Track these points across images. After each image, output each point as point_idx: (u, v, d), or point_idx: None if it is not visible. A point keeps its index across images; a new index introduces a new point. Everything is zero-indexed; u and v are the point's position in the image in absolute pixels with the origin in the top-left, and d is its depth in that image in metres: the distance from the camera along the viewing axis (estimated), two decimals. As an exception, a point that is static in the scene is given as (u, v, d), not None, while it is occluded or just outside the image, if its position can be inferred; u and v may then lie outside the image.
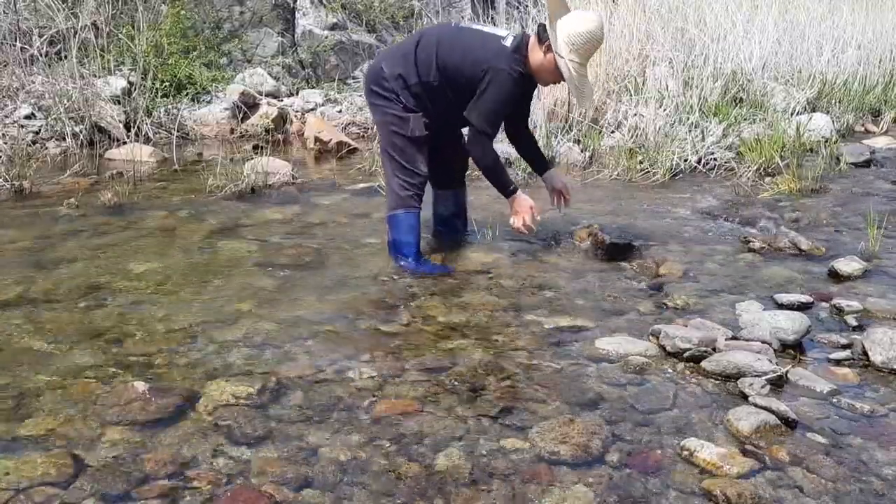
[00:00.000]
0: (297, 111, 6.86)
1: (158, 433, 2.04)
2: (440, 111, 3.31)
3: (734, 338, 2.65)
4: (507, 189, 3.38)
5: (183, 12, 6.92)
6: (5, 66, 5.88)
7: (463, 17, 8.30)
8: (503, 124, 3.48)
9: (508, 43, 3.20)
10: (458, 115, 3.25)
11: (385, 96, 3.31)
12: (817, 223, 4.18)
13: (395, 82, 3.26)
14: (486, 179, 3.46)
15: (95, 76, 6.00)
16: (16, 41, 5.98)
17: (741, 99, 6.73)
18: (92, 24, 6.25)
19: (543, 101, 5.59)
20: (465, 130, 3.43)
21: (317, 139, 6.00)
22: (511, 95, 3.21)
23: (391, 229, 3.39)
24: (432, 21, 8.52)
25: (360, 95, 6.56)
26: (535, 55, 3.21)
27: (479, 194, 4.10)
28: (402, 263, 3.33)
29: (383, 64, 3.35)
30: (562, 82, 3.30)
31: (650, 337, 2.69)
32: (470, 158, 3.54)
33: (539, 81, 3.38)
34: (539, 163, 3.71)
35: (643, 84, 6.27)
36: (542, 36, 3.18)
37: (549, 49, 3.16)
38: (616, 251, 3.52)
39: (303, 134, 6.36)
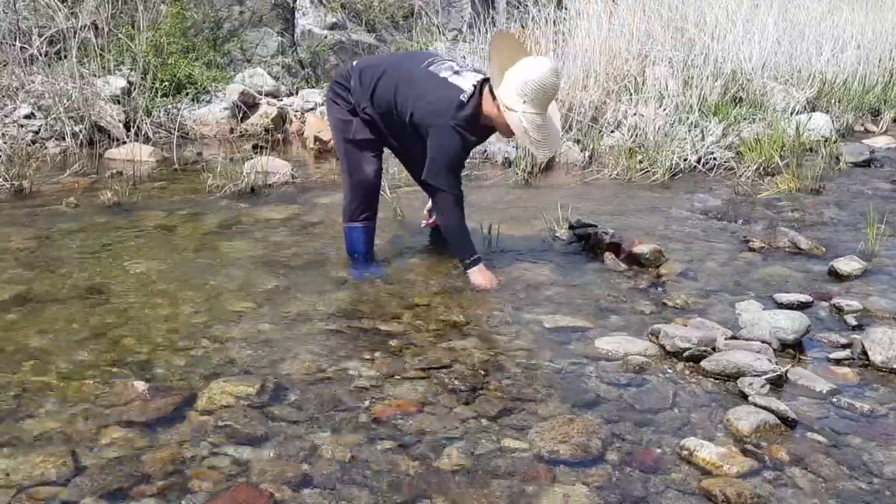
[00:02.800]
0: (296, 111, 6.85)
1: (158, 433, 2.04)
2: (393, 135, 3.26)
3: (734, 337, 2.65)
4: (468, 258, 3.19)
5: (182, 12, 6.91)
6: (5, 65, 5.88)
7: (462, 38, 8.26)
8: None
9: (465, 97, 3.01)
10: (410, 146, 3.22)
11: (336, 101, 3.29)
12: (817, 223, 4.19)
13: (353, 93, 3.22)
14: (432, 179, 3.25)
15: (95, 76, 6.00)
16: (15, 41, 5.97)
17: (741, 98, 6.74)
18: (92, 23, 6.25)
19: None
20: None
21: (316, 139, 6.00)
22: (458, 150, 3.08)
23: (345, 239, 3.41)
24: (432, 21, 8.53)
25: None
26: (489, 108, 3.04)
27: (480, 194, 4.10)
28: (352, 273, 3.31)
29: (352, 76, 3.25)
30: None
31: (650, 336, 2.69)
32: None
33: (499, 132, 3.21)
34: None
35: (643, 84, 6.27)
36: (491, 87, 3.02)
37: (495, 99, 2.99)
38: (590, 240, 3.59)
39: (302, 133, 6.36)
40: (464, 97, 3.02)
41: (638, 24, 6.88)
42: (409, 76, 3.15)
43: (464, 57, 3.31)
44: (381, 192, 3.44)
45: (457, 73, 3.13)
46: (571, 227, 3.71)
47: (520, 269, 3.39)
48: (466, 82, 3.07)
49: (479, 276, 3.18)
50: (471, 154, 3.45)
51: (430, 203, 3.53)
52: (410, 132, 3.14)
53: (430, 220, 3.58)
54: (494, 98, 3.00)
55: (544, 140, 3.05)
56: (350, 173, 3.30)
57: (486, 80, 3.06)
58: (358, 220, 3.34)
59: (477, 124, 3.08)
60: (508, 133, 3.11)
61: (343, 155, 3.32)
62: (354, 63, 3.37)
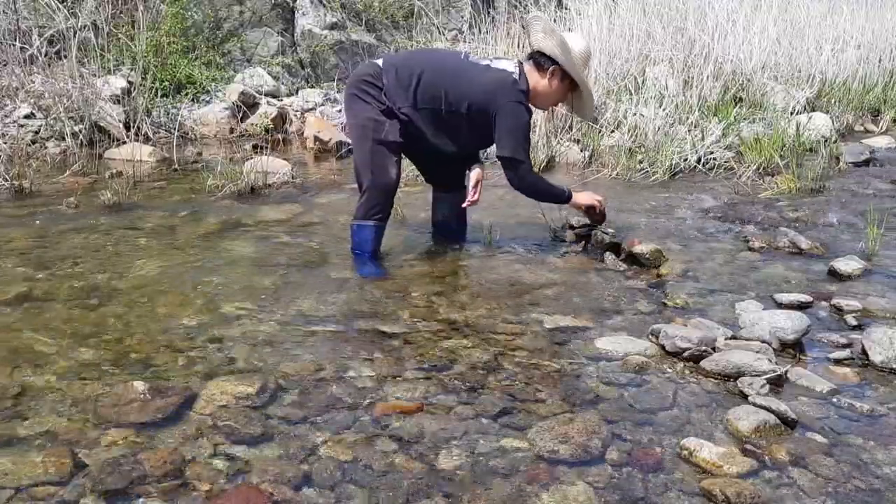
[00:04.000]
0: (296, 111, 6.86)
1: (158, 433, 2.04)
2: (438, 135, 3.34)
3: (734, 337, 2.65)
4: (565, 193, 3.51)
5: (182, 12, 6.91)
6: (5, 65, 5.88)
7: (462, 38, 8.27)
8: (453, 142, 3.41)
9: (516, 76, 3.26)
10: (464, 141, 3.39)
11: (365, 100, 3.27)
12: (817, 223, 4.18)
13: (387, 93, 3.24)
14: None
15: (95, 76, 5.99)
16: (15, 41, 5.98)
17: (741, 98, 6.74)
18: (92, 23, 6.25)
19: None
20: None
21: (316, 139, 6.00)
22: (528, 123, 3.34)
23: (351, 236, 3.42)
24: (432, 21, 8.52)
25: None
26: (536, 82, 3.31)
27: (481, 195, 4.10)
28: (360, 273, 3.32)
29: (384, 75, 3.26)
30: (561, 104, 3.61)
31: (650, 336, 2.69)
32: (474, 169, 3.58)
33: (537, 107, 3.51)
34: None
35: (643, 83, 6.28)
36: (542, 62, 3.30)
37: (552, 74, 3.29)
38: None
39: (302, 133, 6.36)
40: (514, 76, 3.24)
41: (638, 24, 6.89)
42: (454, 69, 3.30)
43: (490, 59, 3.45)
44: None
45: (491, 61, 3.39)
46: (571, 227, 3.71)
47: (520, 269, 3.39)
48: (508, 65, 3.32)
49: (580, 196, 3.57)
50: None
51: (435, 201, 3.67)
52: (462, 124, 3.28)
53: (474, 196, 3.57)
54: (541, 72, 3.29)
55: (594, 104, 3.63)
56: (374, 173, 3.28)
57: (520, 63, 3.33)
58: (372, 218, 3.33)
59: (528, 101, 3.30)
60: (552, 103, 3.55)
61: (368, 154, 3.27)
62: (380, 61, 3.37)
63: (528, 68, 3.31)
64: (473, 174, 3.55)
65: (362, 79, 3.31)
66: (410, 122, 3.27)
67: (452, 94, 3.23)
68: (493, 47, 7.24)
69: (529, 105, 3.31)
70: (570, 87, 3.36)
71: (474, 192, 3.54)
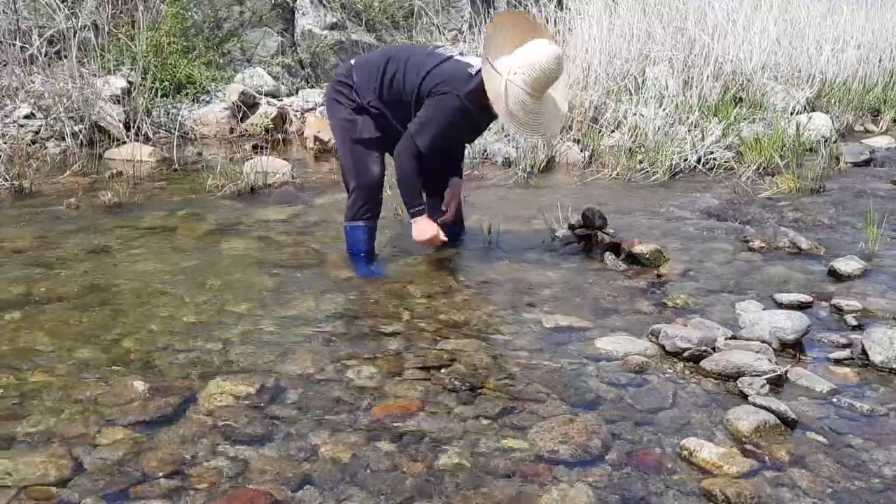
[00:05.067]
0: (296, 111, 6.85)
1: (158, 433, 2.04)
2: (403, 125, 3.25)
3: (734, 337, 2.65)
4: (414, 206, 3.26)
5: (182, 12, 6.91)
6: (5, 65, 5.88)
7: (462, 38, 8.26)
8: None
9: (473, 70, 3.10)
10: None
11: (338, 101, 3.30)
12: (817, 223, 4.18)
13: (357, 90, 3.24)
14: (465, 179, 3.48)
15: (95, 76, 5.99)
16: (15, 41, 5.97)
17: (741, 98, 6.74)
18: (92, 23, 6.25)
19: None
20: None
21: (316, 139, 6.00)
22: (454, 118, 3.11)
23: (345, 238, 3.43)
24: (432, 21, 8.52)
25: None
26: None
27: (480, 195, 4.10)
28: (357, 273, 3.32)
29: (354, 73, 3.28)
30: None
31: (650, 336, 2.69)
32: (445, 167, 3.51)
33: (493, 106, 3.14)
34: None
35: (643, 83, 6.27)
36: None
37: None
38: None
39: (302, 133, 6.36)
40: (472, 70, 3.10)
41: (638, 24, 6.88)
42: (417, 58, 3.23)
43: (462, 53, 3.34)
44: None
45: (462, 54, 3.28)
46: (571, 228, 3.71)
47: (520, 269, 3.39)
48: (474, 60, 3.20)
49: (421, 225, 3.26)
50: (469, 147, 3.48)
51: (444, 200, 3.59)
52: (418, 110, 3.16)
53: (446, 215, 3.54)
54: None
55: (531, 124, 3.11)
56: (356, 173, 3.30)
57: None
58: (361, 218, 3.34)
59: (479, 100, 3.08)
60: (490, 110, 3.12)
61: (348, 155, 3.31)
62: (353, 60, 3.38)
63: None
64: (449, 190, 3.52)
65: (336, 80, 3.37)
66: (380, 115, 3.25)
67: (409, 79, 3.15)
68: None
69: (469, 102, 3.08)
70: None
71: (448, 209, 3.52)
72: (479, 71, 3.07)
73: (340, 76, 3.35)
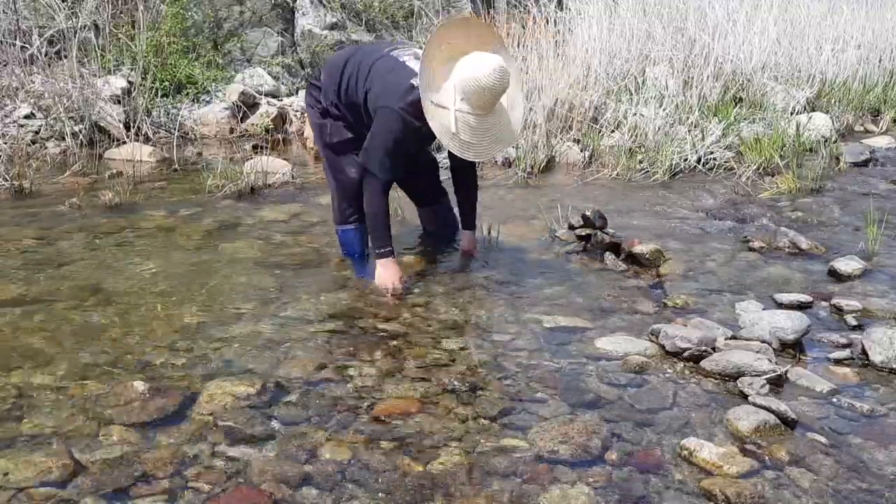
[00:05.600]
0: (296, 111, 6.85)
1: (158, 433, 2.04)
2: (363, 127, 3.13)
3: (734, 337, 2.65)
4: (380, 248, 3.09)
5: (182, 12, 6.91)
6: (5, 65, 5.87)
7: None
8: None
9: (416, 80, 2.84)
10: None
11: (311, 105, 3.30)
12: (817, 223, 4.19)
13: (323, 92, 3.22)
14: (476, 180, 3.45)
15: (95, 76, 5.99)
16: (16, 41, 5.97)
17: (741, 98, 6.74)
18: (92, 23, 6.25)
19: (543, 100, 5.59)
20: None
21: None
22: (396, 135, 2.92)
23: (339, 241, 3.43)
24: (432, 21, 8.53)
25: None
26: None
27: (480, 195, 4.09)
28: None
29: (322, 73, 3.26)
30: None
31: (650, 336, 2.69)
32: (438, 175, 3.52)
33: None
34: (464, 217, 3.47)
35: (643, 83, 6.27)
36: None
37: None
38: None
39: (302, 133, 6.36)
40: (415, 80, 2.84)
41: (638, 24, 6.88)
42: (370, 61, 3.06)
43: (416, 56, 3.12)
44: None
45: (418, 58, 2.94)
46: (571, 228, 3.71)
47: (520, 269, 3.39)
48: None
49: (384, 269, 3.06)
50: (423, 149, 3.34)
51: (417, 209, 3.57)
52: (369, 120, 3.03)
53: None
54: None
55: (475, 143, 2.87)
56: (334, 177, 3.30)
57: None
58: (349, 221, 3.34)
59: (421, 113, 2.86)
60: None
61: (325, 158, 3.33)
62: (322, 71, 3.31)
63: None
64: (463, 242, 3.48)
65: (310, 83, 3.37)
66: (342, 118, 3.20)
67: (360, 86, 3.02)
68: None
69: (411, 116, 2.87)
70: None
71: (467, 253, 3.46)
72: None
73: (313, 79, 3.35)
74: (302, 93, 7.13)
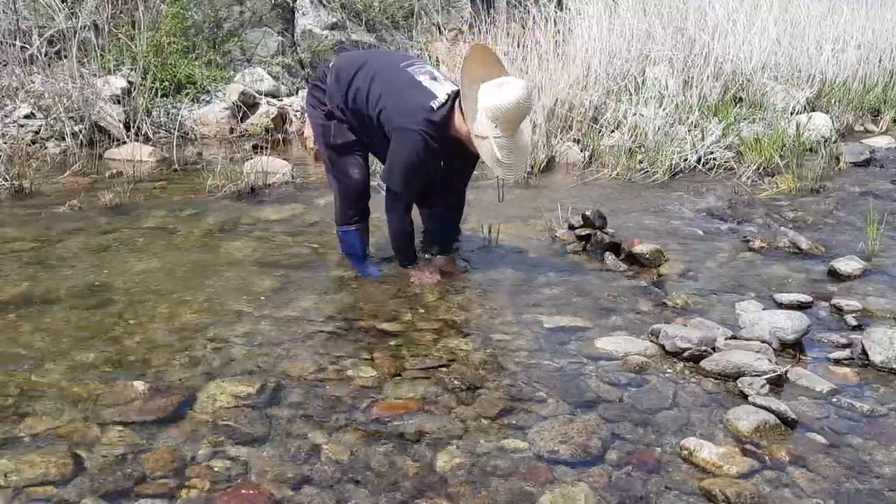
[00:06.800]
0: (296, 111, 6.85)
1: (158, 433, 2.04)
2: (366, 135, 3.18)
3: (734, 337, 2.65)
4: (406, 262, 3.26)
5: (182, 12, 6.91)
6: (5, 65, 5.87)
7: (462, 38, 8.24)
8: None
9: (437, 104, 2.92)
10: (380, 147, 3.13)
11: (313, 105, 3.28)
12: (817, 223, 4.19)
13: (328, 95, 3.19)
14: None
15: (95, 76, 5.99)
16: (16, 41, 5.97)
17: (741, 98, 6.74)
18: (92, 23, 6.25)
19: (543, 100, 5.59)
20: None
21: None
22: (417, 156, 2.95)
23: (339, 242, 3.42)
24: (432, 21, 8.53)
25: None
26: (461, 123, 2.94)
27: (481, 194, 4.10)
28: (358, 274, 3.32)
29: (329, 74, 3.22)
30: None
31: (650, 336, 2.69)
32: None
33: (471, 148, 3.01)
34: (441, 241, 3.52)
35: (643, 83, 6.27)
36: (458, 101, 2.92)
37: (460, 114, 2.91)
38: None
39: (302, 133, 6.36)
40: (434, 103, 2.92)
41: (638, 24, 6.89)
42: (386, 73, 3.08)
43: (434, 77, 3.13)
44: (379, 191, 3.41)
45: (434, 79, 3.05)
46: (571, 228, 3.71)
47: (520, 269, 3.39)
48: (442, 90, 2.99)
49: (418, 271, 3.22)
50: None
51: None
52: (377, 131, 3.07)
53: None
54: (461, 111, 2.90)
55: (513, 163, 2.95)
56: (337, 178, 3.29)
57: (458, 93, 2.93)
58: (350, 222, 3.33)
59: (446, 135, 2.97)
60: (476, 151, 2.97)
61: (327, 160, 3.31)
62: (331, 61, 3.30)
63: (458, 105, 2.93)
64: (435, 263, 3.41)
65: (313, 83, 3.34)
66: (347, 121, 3.18)
67: (373, 97, 3.02)
68: (492, 47, 7.23)
69: (431, 138, 2.91)
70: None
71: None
72: (444, 104, 2.92)
73: (316, 79, 3.32)
74: (302, 93, 7.14)
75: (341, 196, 3.31)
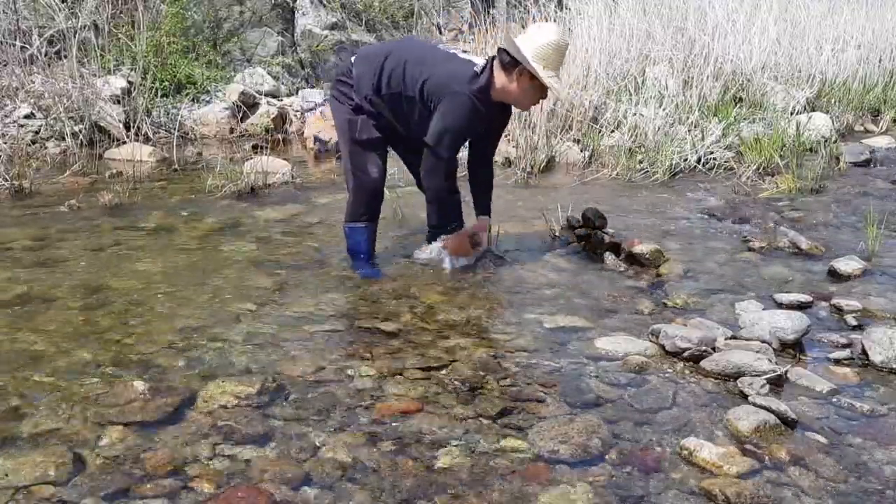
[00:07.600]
0: (296, 111, 6.85)
1: (158, 433, 2.04)
2: (401, 121, 3.24)
3: (734, 337, 2.65)
4: (454, 224, 3.35)
5: (182, 12, 6.91)
6: (5, 65, 5.88)
7: (462, 38, 8.26)
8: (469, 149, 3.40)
9: (479, 69, 3.11)
10: (420, 128, 3.18)
11: (339, 100, 3.28)
12: (817, 223, 4.19)
13: (356, 87, 3.20)
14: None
15: (95, 76, 5.99)
16: (16, 41, 5.97)
17: (741, 98, 6.74)
18: (92, 23, 6.25)
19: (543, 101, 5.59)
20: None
21: (316, 139, 6.00)
22: (469, 120, 3.10)
23: (346, 238, 3.41)
24: (431, 21, 8.53)
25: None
26: (502, 80, 3.09)
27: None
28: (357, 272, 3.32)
29: (354, 67, 3.25)
30: (542, 99, 3.26)
31: (650, 336, 2.69)
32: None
33: (516, 106, 3.35)
34: (480, 203, 3.53)
35: (643, 83, 6.27)
36: (506, 61, 3.06)
37: (519, 74, 3.05)
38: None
39: (302, 133, 6.36)
40: (477, 69, 3.10)
41: (638, 24, 6.89)
42: (420, 52, 3.25)
43: (464, 50, 3.37)
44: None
45: (465, 51, 3.27)
46: (571, 228, 3.71)
47: (520, 269, 3.39)
48: (477, 59, 3.21)
49: (458, 239, 3.32)
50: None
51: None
52: (420, 109, 3.14)
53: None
54: (506, 70, 3.06)
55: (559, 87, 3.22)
56: (355, 175, 3.29)
57: (492, 58, 3.14)
58: (360, 220, 3.33)
59: (488, 98, 3.11)
60: (528, 101, 3.25)
61: (348, 156, 3.30)
62: (353, 57, 3.33)
63: (496, 67, 3.10)
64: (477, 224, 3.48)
65: (337, 78, 3.35)
66: (377, 114, 3.21)
67: (410, 74, 3.11)
68: (493, 47, 7.24)
69: (479, 101, 3.08)
70: (540, 84, 3.10)
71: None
72: (485, 68, 3.10)
73: (340, 74, 3.34)
74: (302, 93, 7.15)
75: (355, 193, 3.31)
